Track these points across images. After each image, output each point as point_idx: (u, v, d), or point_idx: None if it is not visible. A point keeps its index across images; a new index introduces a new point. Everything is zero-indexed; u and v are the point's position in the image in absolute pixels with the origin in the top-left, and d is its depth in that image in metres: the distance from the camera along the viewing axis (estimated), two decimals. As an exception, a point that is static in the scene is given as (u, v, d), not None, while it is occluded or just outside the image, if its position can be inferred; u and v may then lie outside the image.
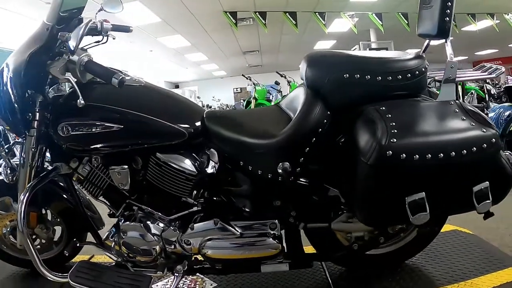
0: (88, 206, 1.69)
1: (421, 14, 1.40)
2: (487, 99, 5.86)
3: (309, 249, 1.55)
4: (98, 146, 1.38)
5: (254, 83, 7.22)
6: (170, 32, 8.63)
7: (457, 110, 1.21)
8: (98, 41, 1.63)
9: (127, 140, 1.37)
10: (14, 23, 5.67)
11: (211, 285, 1.64)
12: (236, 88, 16.33)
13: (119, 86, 1.18)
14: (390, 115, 1.19)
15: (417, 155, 1.12)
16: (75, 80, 1.29)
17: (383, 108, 1.23)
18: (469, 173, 1.20)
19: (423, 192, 1.17)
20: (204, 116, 1.41)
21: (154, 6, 6.34)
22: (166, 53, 11.25)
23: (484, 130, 1.15)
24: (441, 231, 1.96)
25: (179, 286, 1.49)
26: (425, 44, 1.44)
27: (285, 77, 7.02)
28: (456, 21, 7.08)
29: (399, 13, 6.92)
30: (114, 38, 1.77)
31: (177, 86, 19.81)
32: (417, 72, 1.32)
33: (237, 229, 1.39)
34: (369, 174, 1.17)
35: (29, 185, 1.39)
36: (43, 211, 1.67)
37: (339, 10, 6.36)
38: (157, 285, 1.66)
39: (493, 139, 1.15)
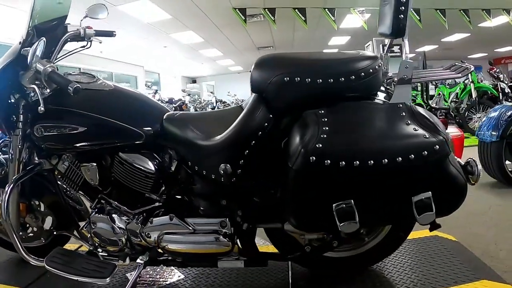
0: (75, 198, 1.91)
1: (380, 11, 1.42)
2: (500, 98, 5.79)
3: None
4: (67, 146, 1.55)
5: None
6: (182, 28, 8.87)
7: (404, 114, 1.19)
8: (83, 46, 1.85)
9: (90, 140, 1.53)
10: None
11: (179, 276, 1.81)
12: (253, 84, 16.42)
13: (74, 94, 1.32)
14: (326, 119, 1.20)
15: (343, 162, 1.11)
16: (40, 89, 1.44)
17: (322, 111, 1.23)
18: (406, 182, 1.16)
19: (351, 200, 1.15)
20: (164, 118, 1.53)
21: (162, 3, 6.55)
22: (180, 48, 11.54)
23: (427, 136, 1.11)
24: (420, 236, 2.02)
25: (141, 275, 1.70)
26: (387, 42, 1.47)
27: None
28: (470, 17, 7.09)
29: (411, 9, 6.74)
30: (100, 42, 1.98)
31: (194, 81, 20.21)
32: (362, 73, 1.29)
33: (191, 225, 1.50)
34: (293, 179, 1.17)
35: (14, 178, 1.63)
36: (36, 203, 1.92)
37: (349, 5, 6.40)
38: (131, 274, 1.88)
39: (436, 146, 1.10)
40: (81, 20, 1.73)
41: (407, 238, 1.72)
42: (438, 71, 1.55)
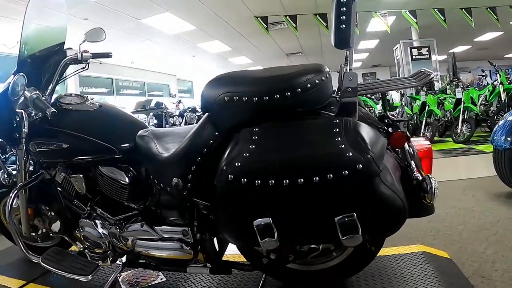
0: (70, 205, 2.18)
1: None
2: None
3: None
4: (55, 160, 1.80)
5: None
6: (207, 38, 9.23)
7: (337, 130, 1.16)
8: (83, 68, 2.15)
9: (72, 155, 1.75)
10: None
11: (161, 279, 2.00)
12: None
13: (50, 117, 1.60)
14: (255, 137, 1.24)
15: (259, 180, 1.13)
16: (26, 113, 1.71)
17: (256, 129, 1.27)
18: (327, 202, 1.15)
19: (269, 218, 1.18)
20: (137, 135, 1.70)
21: (185, 15, 6.88)
22: (209, 57, 11.95)
23: (350, 155, 1.08)
24: (408, 251, 1.98)
25: (127, 276, 1.93)
26: (345, 54, 1.41)
27: None
28: (498, 15, 6.93)
29: (435, 10, 6.83)
30: (100, 63, 2.29)
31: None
32: (299, 89, 1.28)
33: (158, 232, 1.64)
34: (217, 195, 1.24)
35: (18, 185, 1.93)
36: (44, 208, 2.20)
37: (371, 9, 6.46)
38: (121, 275, 2.12)
39: (359, 165, 1.07)
40: (80, 44, 2.02)
41: (395, 253, 1.83)
42: (392, 81, 1.49)
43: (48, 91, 1.90)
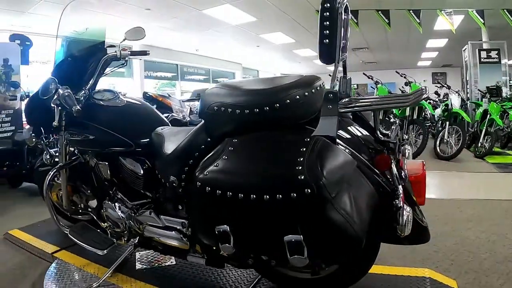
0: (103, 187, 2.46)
1: None
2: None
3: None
4: (84, 148, 2.11)
5: (375, 82, 6.88)
6: (270, 30, 9.41)
7: (304, 149, 1.16)
8: (123, 64, 2.43)
9: (97, 146, 2.03)
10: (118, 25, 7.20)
11: (172, 262, 2.26)
12: (353, 84, 16.43)
13: (76, 114, 1.89)
14: (231, 148, 1.31)
15: (219, 191, 1.21)
16: (59, 108, 2.01)
17: (235, 140, 1.34)
18: (276, 221, 1.18)
19: (227, 226, 1.26)
20: (154, 132, 1.92)
21: (245, 7, 7.09)
22: (273, 48, 12.11)
23: (301, 178, 1.08)
24: (412, 274, 1.99)
25: (137, 254, 2.22)
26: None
27: (404, 77, 6.61)
28: None
29: (504, 10, 6.45)
30: (140, 59, 2.58)
31: (295, 80, 20.87)
32: (277, 104, 1.32)
33: (162, 221, 1.84)
34: (190, 198, 1.46)
35: (57, 166, 2.28)
36: (84, 186, 2.53)
37: (437, 7, 6.22)
38: (139, 253, 2.42)
39: (308, 190, 1.07)
40: (120, 42, 2.30)
41: (399, 273, 1.91)
42: (382, 99, 1.43)
43: (89, 85, 2.14)
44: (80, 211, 2.47)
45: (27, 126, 3.15)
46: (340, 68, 1.49)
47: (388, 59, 13.55)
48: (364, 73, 7.15)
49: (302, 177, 1.08)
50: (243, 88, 1.47)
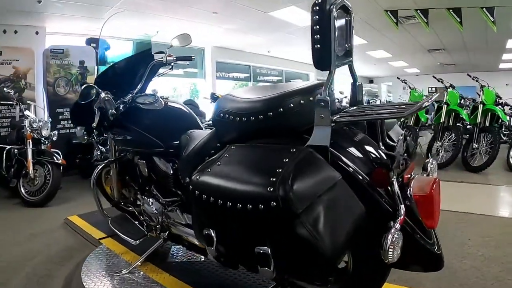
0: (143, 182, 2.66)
1: None
2: None
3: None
4: (124, 147, 2.31)
5: (446, 86, 6.45)
6: (340, 30, 9.31)
7: (286, 160, 1.15)
8: (170, 69, 2.60)
9: (133, 145, 2.22)
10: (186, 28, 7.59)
11: (200, 258, 2.39)
12: (431, 88, 15.63)
13: (111, 117, 2.08)
14: (227, 155, 1.33)
15: (205, 195, 1.24)
16: (99, 111, 2.21)
17: (233, 147, 1.36)
18: (248, 230, 1.18)
19: (211, 230, 1.29)
20: (183, 134, 2.03)
21: (309, 8, 7.09)
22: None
23: (270, 190, 1.07)
24: None
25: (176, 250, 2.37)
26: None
27: (476, 81, 6.16)
28: None
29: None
30: (187, 64, 2.75)
31: (371, 81, 20.29)
32: (270, 113, 1.35)
33: (186, 219, 1.97)
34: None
35: (103, 162, 2.51)
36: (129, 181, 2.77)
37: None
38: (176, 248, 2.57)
39: (273, 203, 1.05)
40: (167, 49, 2.47)
41: None
42: (377, 109, 1.39)
43: (136, 89, 2.32)
44: (127, 203, 2.69)
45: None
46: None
47: (466, 61, 12.64)
48: (434, 76, 6.82)
49: (271, 189, 1.06)
50: (243, 97, 1.50)
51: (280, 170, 1.10)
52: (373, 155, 1.34)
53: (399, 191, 1.24)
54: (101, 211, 2.53)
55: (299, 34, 9.47)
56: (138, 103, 2.29)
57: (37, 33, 6.02)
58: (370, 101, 13.08)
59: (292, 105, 1.34)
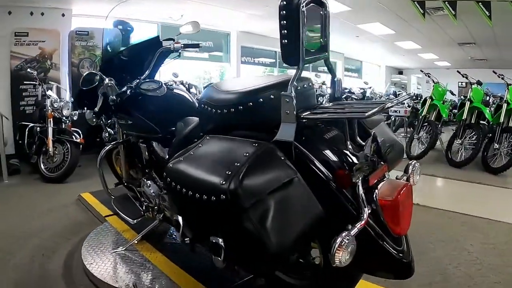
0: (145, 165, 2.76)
1: None
2: None
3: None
4: (126, 131, 2.41)
5: (470, 82, 6.32)
6: (367, 19, 9.10)
7: (246, 154, 1.17)
8: (178, 56, 2.68)
9: (133, 130, 2.32)
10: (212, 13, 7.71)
11: None
12: (461, 82, 15.20)
13: (111, 102, 2.16)
14: (200, 146, 1.36)
15: (173, 183, 1.27)
16: (102, 97, 2.30)
17: (208, 138, 1.40)
18: (203, 219, 1.23)
19: (179, 216, 1.37)
20: (179, 121, 2.10)
21: (334, -6, 7.07)
22: (373, 39, 11.64)
23: (222, 183, 1.09)
24: None
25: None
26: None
27: (502, 78, 5.89)
28: None
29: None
30: (197, 51, 2.79)
31: (400, 72, 19.91)
32: (240, 107, 1.37)
33: None
34: None
35: (111, 144, 2.63)
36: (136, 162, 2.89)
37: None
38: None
39: (223, 196, 1.07)
40: (176, 35, 2.55)
41: None
42: (343, 108, 1.37)
43: (144, 75, 2.37)
44: (133, 184, 2.81)
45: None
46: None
47: (498, 57, 12.19)
48: (458, 71, 6.65)
49: (223, 183, 1.09)
50: (222, 88, 1.54)
51: (237, 164, 1.13)
52: (338, 155, 1.32)
53: (363, 194, 1.22)
54: (106, 190, 2.66)
55: (332, 22, 9.36)
56: (142, 89, 2.36)
57: (63, 15, 6.19)
58: (397, 93, 12.87)
59: (261, 99, 1.35)
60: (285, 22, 1.26)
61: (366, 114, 1.19)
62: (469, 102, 5.98)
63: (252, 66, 12.35)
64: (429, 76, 7.16)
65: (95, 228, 2.75)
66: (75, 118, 5.00)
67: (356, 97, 8.80)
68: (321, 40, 1.41)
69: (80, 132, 4.78)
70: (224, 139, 1.34)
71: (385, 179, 1.36)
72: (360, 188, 1.23)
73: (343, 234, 1.09)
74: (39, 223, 3.09)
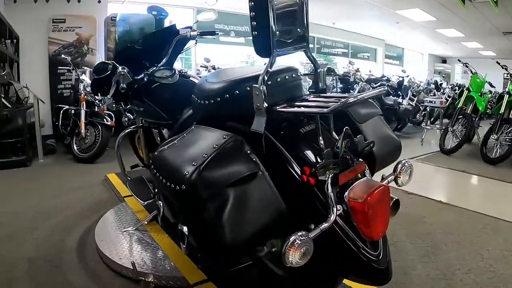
0: None
1: None
2: None
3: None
4: (140, 117, 2.54)
5: (510, 74, 5.97)
6: (406, 5, 8.87)
7: (215, 146, 1.17)
8: (195, 43, 2.75)
9: (145, 116, 2.43)
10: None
11: None
12: (507, 74, 14.44)
13: (121, 90, 2.24)
14: (185, 134, 1.38)
15: (155, 170, 1.29)
16: (115, 84, 2.31)
17: (193, 128, 1.41)
18: (172, 207, 1.27)
19: (159, 202, 1.41)
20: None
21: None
22: (414, 26, 11.30)
23: (185, 173, 1.10)
24: None
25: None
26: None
27: (506, 69, 5.73)
28: None
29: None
30: (214, 38, 2.85)
31: (444, 61, 19.22)
32: (218, 98, 1.39)
33: None
34: None
35: (128, 128, 2.75)
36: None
37: None
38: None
39: (183, 186, 1.10)
40: (194, 23, 2.62)
41: None
42: (311, 103, 1.30)
43: (161, 63, 2.41)
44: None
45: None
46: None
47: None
48: (497, 62, 6.33)
49: (186, 173, 1.10)
50: (208, 80, 1.57)
51: (205, 156, 1.14)
52: (309, 151, 1.28)
53: (332, 194, 1.16)
54: (123, 172, 2.79)
55: (363, 6, 9.19)
56: (155, 77, 2.45)
57: (99, 1, 6.40)
58: (440, 82, 12.42)
59: (238, 91, 1.36)
60: (254, 13, 1.25)
61: (326, 110, 1.14)
62: (507, 95, 5.65)
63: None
64: (466, 66, 6.85)
65: (113, 207, 2.90)
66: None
67: (391, 86, 8.55)
68: (298, 30, 1.36)
69: (113, 116, 4.98)
70: (204, 130, 1.35)
71: (364, 178, 1.28)
72: (329, 186, 1.16)
73: (299, 234, 1.04)
74: (65, 200, 3.30)
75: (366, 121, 1.55)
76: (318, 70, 1.49)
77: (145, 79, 2.42)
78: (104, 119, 4.89)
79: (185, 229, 1.18)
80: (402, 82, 9.52)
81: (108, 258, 2.13)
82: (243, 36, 10.04)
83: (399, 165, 1.38)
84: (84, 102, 4.89)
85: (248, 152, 1.21)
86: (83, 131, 4.83)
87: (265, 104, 1.25)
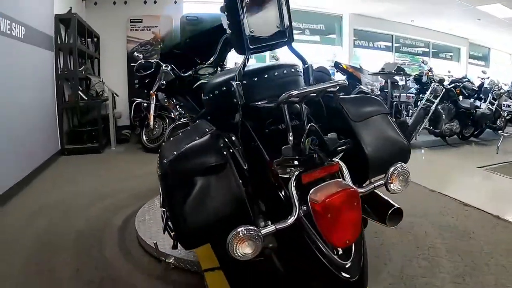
0: None
1: None
2: None
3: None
4: (185, 112, 2.71)
5: None
6: (487, 1, 8.24)
7: (196, 138, 1.21)
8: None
9: (186, 110, 2.59)
10: None
11: None
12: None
13: (162, 86, 2.38)
14: (189, 127, 1.40)
15: (159, 159, 1.26)
16: (162, 82, 2.44)
17: (198, 121, 1.42)
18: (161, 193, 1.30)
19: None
20: None
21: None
22: (498, 23, 10.42)
23: (164, 161, 1.15)
24: None
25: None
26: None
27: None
28: None
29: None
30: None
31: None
32: (216, 91, 1.44)
33: None
34: None
35: (176, 123, 2.94)
36: None
37: None
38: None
39: (160, 172, 1.18)
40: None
41: None
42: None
43: (210, 61, 2.47)
44: None
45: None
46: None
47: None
48: None
49: (165, 161, 1.15)
50: (212, 78, 1.65)
51: (184, 147, 1.17)
52: (278, 147, 1.21)
53: (294, 192, 1.12)
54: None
55: (440, 2, 8.68)
56: (198, 74, 2.57)
57: (175, 2, 6.78)
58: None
59: (225, 88, 1.40)
60: (227, 12, 1.28)
61: (276, 103, 1.17)
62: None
63: (366, 50, 11.92)
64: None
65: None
66: (177, 96, 5.57)
67: (466, 87, 7.95)
68: (276, 25, 1.33)
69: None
70: (201, 124, 1.36)
71: (335, 180, 1.20)
72: (292, 185, 1.13)
73: (249, 227, 1.03)
74: (123, 185, 3.63)
75: (365, 120, 1.45)
76: (306, 66, 1.45)
77: (187, 76, 2.56)
78: (172, 113, 5.20)
79: (164, 211, 1.28)
80: (482, 84, 8.81)
81: (140, 238, 2.32)
82: (318, 34, 9.97)
83: (391, 169, 1.25)
84: (154, 97, 5.23)
85: (221, 145, 1.23)
86: (151, 123, 5.19)
87: (241, 100, 1.29)
